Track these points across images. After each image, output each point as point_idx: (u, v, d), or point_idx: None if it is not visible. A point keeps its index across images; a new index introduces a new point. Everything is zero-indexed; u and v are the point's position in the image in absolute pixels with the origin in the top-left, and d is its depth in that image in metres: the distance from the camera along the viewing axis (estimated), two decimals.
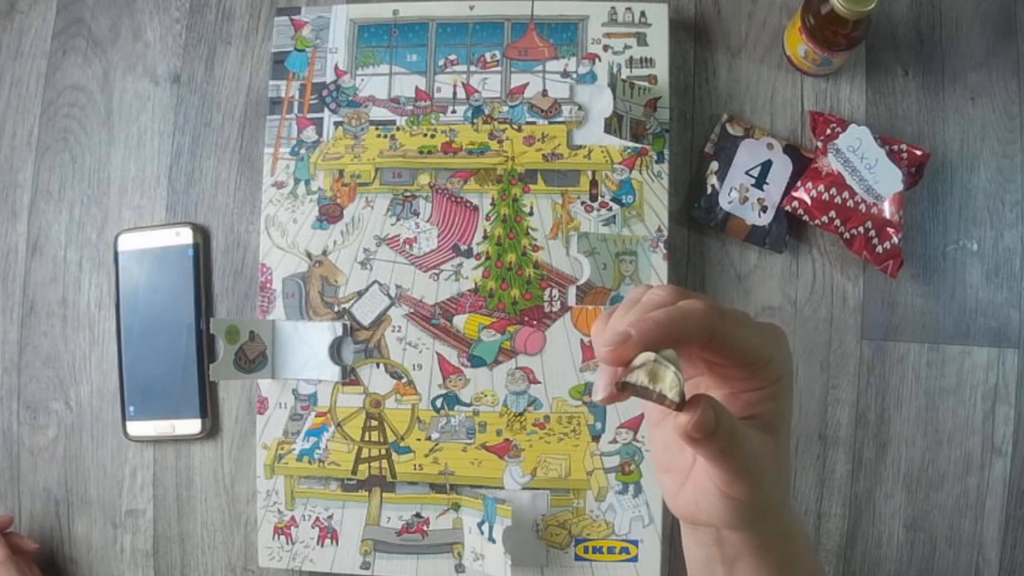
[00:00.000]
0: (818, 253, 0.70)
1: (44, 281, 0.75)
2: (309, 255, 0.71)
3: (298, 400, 0.70)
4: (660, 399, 0.32)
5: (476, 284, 0.69)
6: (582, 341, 0.68)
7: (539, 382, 0.68)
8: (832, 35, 0.64)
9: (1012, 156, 0.69)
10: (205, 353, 0.71)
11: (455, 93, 0.71)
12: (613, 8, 0.70)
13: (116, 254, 0.73)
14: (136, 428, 0.72)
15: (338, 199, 0.71)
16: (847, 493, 0.68)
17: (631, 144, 0.68)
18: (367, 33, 0.72)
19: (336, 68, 0.72)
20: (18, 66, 0.77)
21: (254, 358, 0.68)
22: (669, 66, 0.70)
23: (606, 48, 0.70)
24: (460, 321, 0.69)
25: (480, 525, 0.66)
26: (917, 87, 0.70)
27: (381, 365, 0.69)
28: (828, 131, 0.67)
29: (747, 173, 0.69)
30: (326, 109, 0.72)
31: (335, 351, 0.69)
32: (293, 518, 0.69)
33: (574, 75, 0.70)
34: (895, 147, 0.67)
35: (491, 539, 0.65)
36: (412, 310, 0.69)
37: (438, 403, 0.69)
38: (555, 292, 0.69)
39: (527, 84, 0.71)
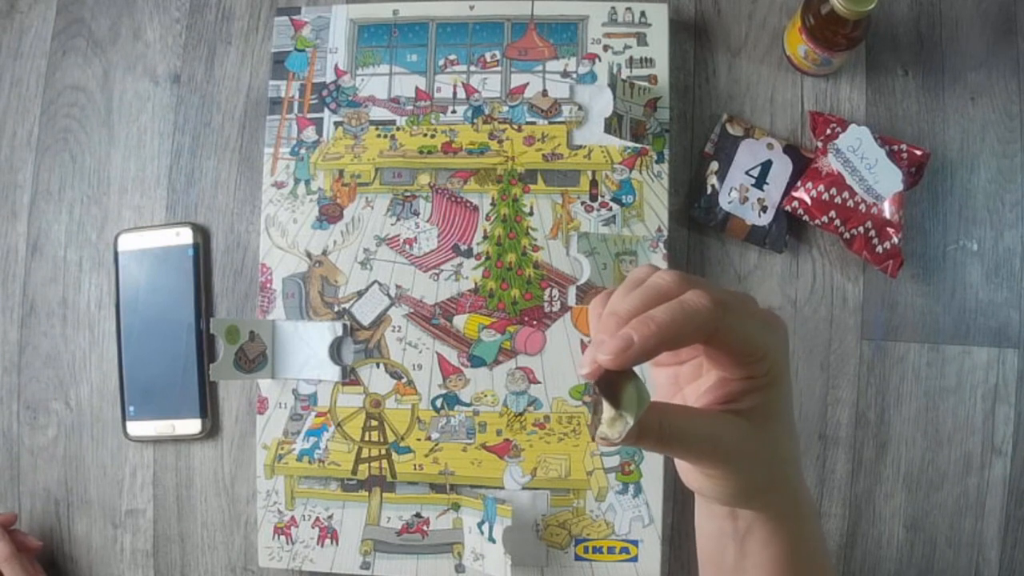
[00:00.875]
0: (818, 253, 0.70)
1: (44, 281, 0.75)
2: (309, 255, 0.71)
3: (298, 400, 0.70)
4: (593, 426, 0.33)
5: (476, 284, 0.69)
6: (582, 341, 0.68)
7: (539, 382, 0.68)
8: (832, 35, 0.64)
9: (1012, 156, 0.69)
10: (205, 353, 0.71)
11: (455, 93, 0.71)
12: (613, 8, 0.70)
13: (116, 254, 0.73)
14: (136, 428, 0.72)
15: (338, 199, 0.71)
16: (847, 493, 0.68)
17: (631, 144, 0.68)
18: (367, 33, 0.72)
19: (336, 68, 0.72)
20: (18, 66, 0.77)
21: (254, 358, 0.68)
22: (669, 66, 0.70)
23: (606, 48, 0.70)
24: (460, 321, 0.69)
25: (480, 525, 0.66)
26: (917, 87, 0.70)
27: (381, 365, 0.69)
28: (828, 131, 0.67)
29: (747, 173, 0.69)
30: (326, 109, 0.72)
31: (335, 351, 0.69)
32: (293, 518, 0.69)
33: (574, 75, 0.70)
34: (895, 147, 0.67)
35: (491, 539, 0.65)
36: (412, 310, 0.69)
37: (438, 403, 0.69)
38: (555, 292, 0.69)
39: (527, 84, 0.71)
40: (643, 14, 0.70)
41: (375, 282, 0.70)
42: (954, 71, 0.70)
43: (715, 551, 0.41)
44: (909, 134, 0.70)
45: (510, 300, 0.69)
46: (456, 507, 0.68)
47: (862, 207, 0.66)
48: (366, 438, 0.69)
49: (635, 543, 0.67)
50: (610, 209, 0.69)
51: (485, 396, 0.68)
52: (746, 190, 0.69)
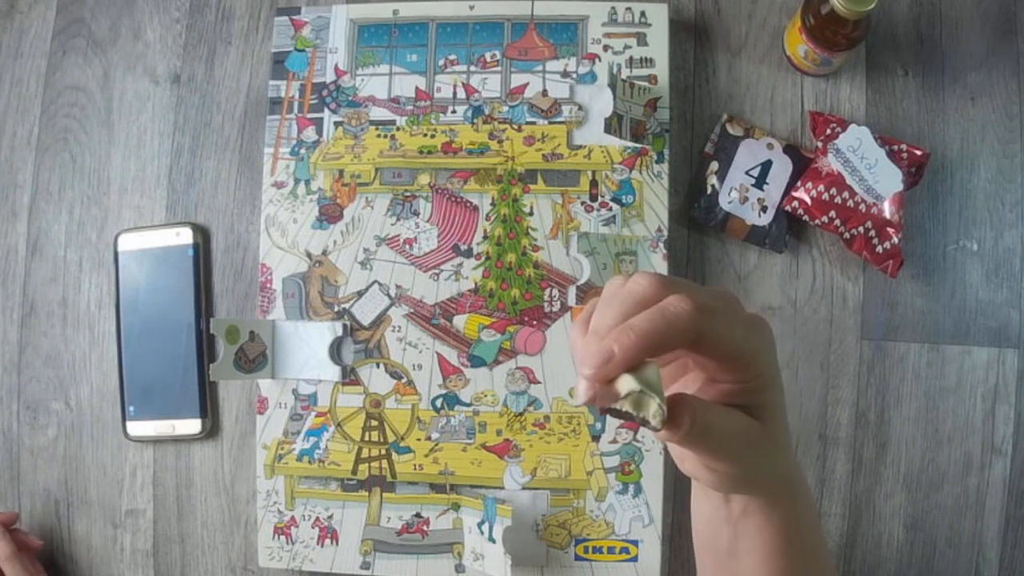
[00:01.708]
0: (818, 253, 0.70)
1: (44, 281, 0.75)
2: (309, 255, 0.71)
3: (298, 400, 0.70)
4: (643, 423, 0.32)
5: (476, 284, 0.69)
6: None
7: (539, 382, 0.68)
8: (832, 35, 0.64)
9: (1012, 156, 0.69)
10: (205, 353, 0.71)
11: (455, 93, 0.71)
12: (613, 8, 0.70)
13: (116, 254, 0.73)
14: (136, 428, 0.72)
15: (338, 199, 0.71)
16: (847, 493, 0.68)
17: (631, 144, 0.68)
18: (367, 33, 0.72)
19: (336, 68, 0.72)
20: (18, 66, 0.77)
21: (254, 358, 0.68)
22: (669, 66, 0.70)
23: (606, 48, 0.70)
24: (460, 321, 0.69)
25: (480, 525, 0.66)
26: (917, 87, 0.70)
27: (381, 365, 0.69)
28: (828, 131, 0.67)
29: (747, 173, 0.69)
30: (326, 109, 0.72)
31: (335, 351, 0.69)
32: (293, 518, 0.69)
33: (574, 75, 0.70)
34: (895, 147, 0.67)
35: (491, 539, 0.65)
36: (412, 310, 0.69)
37: (438, 403, 0.69)
38: (555, 292, 0.69)
39: (527, 84, 0.71)
40: (643, 14, 0.70)
41: (375, 282, 0.70)
42: (954, 71, 0.70)
43: (710, 535, 0.42)
44: (909, 134, 0.70)
45: (510, 300, 0.69)
46: (456, 507, 0.68)
47: (862, 207, 0.66)
48: (366, 438, 0.69)
49: (635, 543, 0.67)
50: (610, 209, 0.69)
51: (485, 396, 0.68)
52: (746, 190, 0.69)
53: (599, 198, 0.69)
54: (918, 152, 0.67)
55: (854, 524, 0.68)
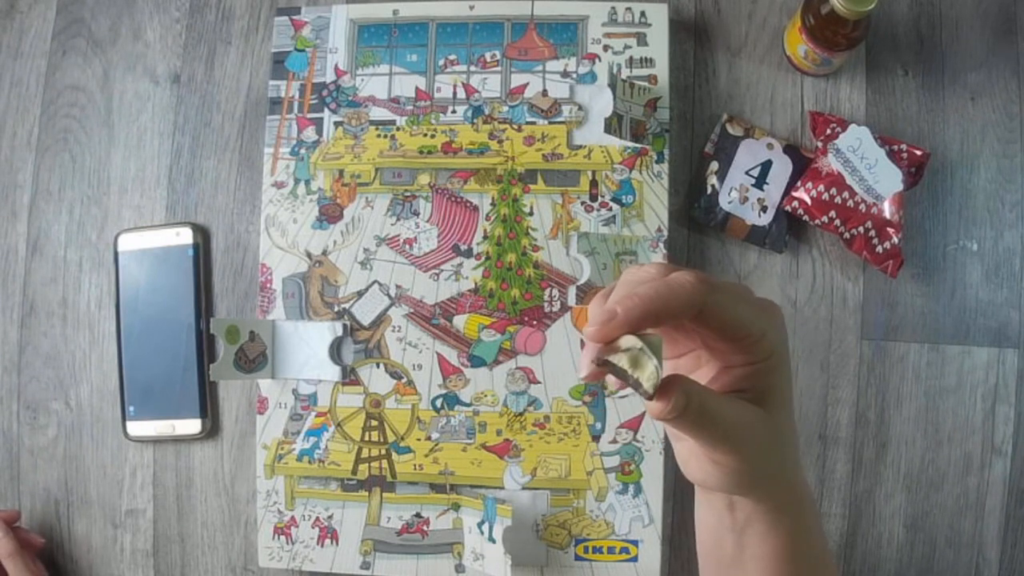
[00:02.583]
0: (818, 253, 0.70)
1: (44, 281, 0.75)
2: (309, 255, 0.71)
3: (298, 400, 0.70)
4: (636, 386, 0.33)
5: (476, 284, 0.69)
6: (582, 341, 0.68)
7: (539, 382, 0.68)
8: (832, 35, 0.64)
9: (1012, 156, 0.69)
10: (205, 353, 0.71)
11: (455, 93, 0.71)
12: (613, 8, 0.70)
13: (116, 254, 0.73)
14: (136, 428, 0.72)
15: (338, 199, 0.71)
16: (847, 493, 0.68)
17: (631, 144, 0.68)
18: (367, 33, 0.72)
19: (336, 68, 0.72)
20: (18, 66, 0.77)
21: (254, 358, 0.68)
22: (669, 66, 0.70)
23: (606, 48, 0.70)
24: (460, 321, 0.69)
25: (480, 525, 0.66)
26: (917, 87, 0.70)
27: (381, 365, 0.69)
28: (828, 131, 0.67)
29: (747, 173, 0.69)
30: (326, 109, 0.72)
31: (335, 351, 0.69)
32: (293, 518, 0.69)
33: (574, 75, 0.70)
34: (895, 147, 0.67)
35: (491, 539, 0.65)
36: (412, 310, 0.69)
37: (438, 403, 0.69)
38: (555, 292, 0.69)
39: (527, 84, 0.71)
40: (643, 14, 0.70)
41: (375, 282, 0.70)
42: (954, 71, 0.70)
43: (714, 544, 0.42)
44: (909, 134, 0.70)
45: (510, 300, 0.69)
46: (456, 507, 0.68)
47: (862, 207, 0.66)
48: (366, 438, 0.69)
49: (635, 543, 0.67)
50: (610, 209, 0.69)
51: (485, 396, 0.68)
52: (746, 190, 0.69)
53: (599, 198, 0.69)
54: (918, 152, 0.67)
55: (854, 524, 0.68)
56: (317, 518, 0.69)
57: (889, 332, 0.69)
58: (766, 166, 0.69)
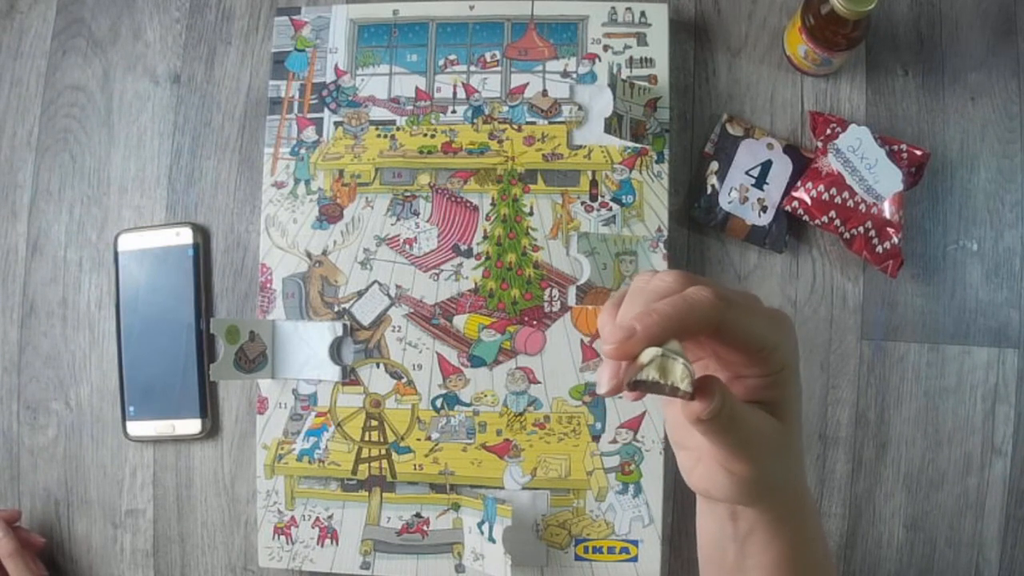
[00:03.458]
0: (818, 253, 0.70)
1: (44, 281, 0.75)
2: (309, 255, 0.71)
3: (298, 400, 0.70)
4: (673, 392, 0.32)
5: (476, 284, 0.69)
6: (582, 341, 0.68)
7: (539, 382, 0.68)
8: (832, 35, 0.64)
9: (1012, 156, 0.69)
10: (205, 353, 0.71)
11: (455, 93, 0.71)
12: (613, 8, 0.70)
13: (116, 254, 0.73)
14: (136, 428, 0.72)
15: (338, 199, 0.71)
16: (847, 493, 0.68)
17: (631, 144, 0.68)
18: (367, 33, 0.72)
19: (336, 68, 0.72)
20: (18, 66, 0.77)
21: (254, 358, 0.68)
22: (669, 66, 0.70)
23: (606, 48, 0.70)
24: (460, 321, 0.69)
25: (480, 525, 0.66)
26: (917, 87, 0.70)
27: (381, 365, 0.69)
28: (828, 131, 0.67)
29: (747, 173, 0.69)
30: (326, 109, 0.72)
31: (335, 351, 0.69)
32: (293, 518, 0.69)
33: (574, 75, 0.70)
34: (895, 147, 0.67)
35: (491, 539, 0.65)
36: (412, 310, 0.69)
37: (438, 403, 0.69)
38: (555, 292, 0.69)
39: (527, 84, 0.71)
40: (643, 14, 0.70)
41: (375, 282, 0.70)
42: (954, 71, 0.70)
43: (716, 553, 0.41)
44: (909, 134, 0.70)
45: (510, 300, 0.69)
46: (456, 507, 0.68)
47: (862, 207, 0.66)
48: (366, 438, 0.69)
49: (635, 543, 0.67)
50: (610, 209, 0.69)
51: (485, 396, 0.68)
52: (746, 190, 0.69)
53: (599, 198, 0.69)
54: (918, 152, 0.67)
55: (854, 524, 0.68)
56: (317, 518, 0.69)
57: (889, 332, 0.69)
58: (766, 166, 0.69)
